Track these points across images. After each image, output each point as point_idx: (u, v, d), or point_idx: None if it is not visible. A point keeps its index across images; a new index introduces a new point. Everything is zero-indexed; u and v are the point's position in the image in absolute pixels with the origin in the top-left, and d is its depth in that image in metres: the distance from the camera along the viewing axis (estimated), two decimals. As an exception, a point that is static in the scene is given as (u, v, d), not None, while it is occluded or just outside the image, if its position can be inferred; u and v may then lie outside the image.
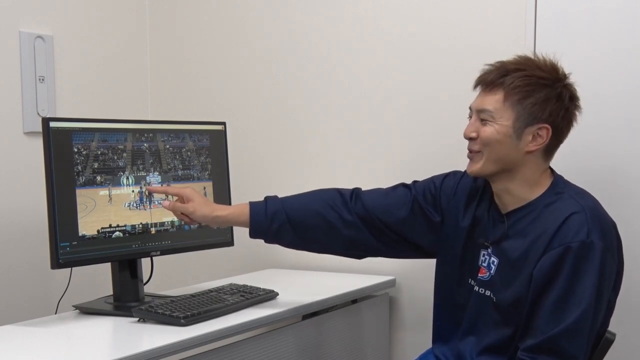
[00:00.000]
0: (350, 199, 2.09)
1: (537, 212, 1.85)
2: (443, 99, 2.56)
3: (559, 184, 1.89)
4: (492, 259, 1.91)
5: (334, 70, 2.77)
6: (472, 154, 1.89)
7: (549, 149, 1.88)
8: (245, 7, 2.95)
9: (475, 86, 1.91)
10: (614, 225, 1.84)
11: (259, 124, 2.93)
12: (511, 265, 1.85)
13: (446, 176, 2.10)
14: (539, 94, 1.82)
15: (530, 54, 1.93)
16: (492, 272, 1.90)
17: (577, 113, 1.89)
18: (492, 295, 1.90)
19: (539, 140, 1.84)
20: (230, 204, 2.49)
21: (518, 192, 1.87)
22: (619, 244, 1.85)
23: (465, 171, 2.02)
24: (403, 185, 2.14)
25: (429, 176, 2.24)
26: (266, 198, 2.11)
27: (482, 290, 1.92)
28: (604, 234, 1.77)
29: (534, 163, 1.87)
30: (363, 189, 2.14)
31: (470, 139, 1.88)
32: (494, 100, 1.84)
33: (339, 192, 2.11)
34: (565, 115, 1.85)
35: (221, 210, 2.08)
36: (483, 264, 1.93)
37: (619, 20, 2.25)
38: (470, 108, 1.92)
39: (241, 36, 2.96)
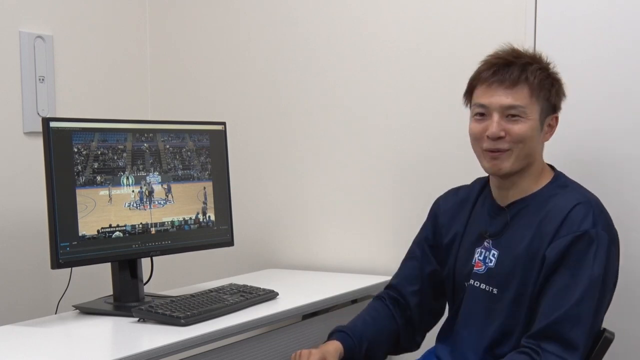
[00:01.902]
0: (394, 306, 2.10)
1: (541, 203, 1.86)
2: (442, 101, 2.56)
3: (561, 177, 1.92)
4: (492, 251, 1.91)
5: (335, 70, 2.77)
6: (499, 152, 1.86)
7: None
8: (245, 7, 2.95)
9: (489, 84, 1.86)
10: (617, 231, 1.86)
11: (259, 124, 2.93)
12: (514, 256, 1.85)
13: (427, 222, 2.13)
14: (556, 84, 1.89)
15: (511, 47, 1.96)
16: (489, 264, 1.90)
17: None
18: (487, 288, 1.90)
19: (552, 129, 1.91)
20: (230, 204, 2.50)
21: (524, 184, 1.89)
22: (618, 243, 1.86)
23: (438, 198, 2.10)
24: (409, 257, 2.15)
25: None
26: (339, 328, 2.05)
27: (476, 284, 1.93)
28: (609, 227, 1.80)
29: (541, 153, 1.92)
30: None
31: (498, 138, 1.85)
32: (522, 96, 1.83)
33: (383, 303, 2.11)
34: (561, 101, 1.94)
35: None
36: (479, 258, 1.94)
37: (619, 22, 2.24)
38: (483, 105, 1.87)
39: (241, 36, 2.96)
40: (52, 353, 1.84)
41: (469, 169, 2.48)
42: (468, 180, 2.46)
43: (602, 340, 1.82)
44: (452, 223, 2.03)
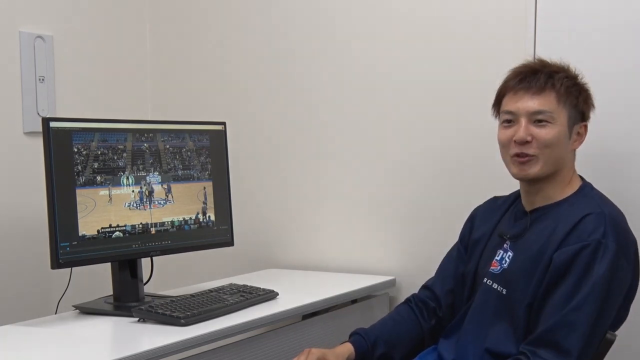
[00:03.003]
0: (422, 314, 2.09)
1: (561, 210, 1.86)
2: (442, 100, 2.55)
3: (586, 188, 1.92)
4: (509, 253, 1.92)
5: (335, 69, 2.77)
6: (527, 157, 1.86)
7: None
8: (245, 6, 2.95)
9: (515, 91, 1.88)
10: (634, 242, 1.85)
11: (259, 124, 2.93)
12: (526, 259, 1.86)
13: (464, 226, 2.13)
14: (584, 93, 1.90)
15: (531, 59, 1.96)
16: (504, 265, 1.91)
17: None
18: (498, 288, 1.91)
19: (581, 137, 1.91)
20: (230, 204, 2.50)
21: (550, 191, 1.89)
22: (636, 259, 1.85)
23: (479, 206, 2.11)
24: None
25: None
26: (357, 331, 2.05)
27: (489, 282, 1.94)
28: (619, 238, 1.78)
29: (571, 161, 1.92)
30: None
31: (525, 142, 1.85)
32: (548, 102, 1.85)
33: (411, 310, 2.10)
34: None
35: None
36: (497, 258, 1.95)
37: (619, 23, 2.24)
38: (510, 112, 1.88)
39: (241, 36, 2.96)
40: (52, 353, 1.84)
41: (469, 169, 2.49)
42: (468, 180, 2.46)
43: (602, 341, 1.82)
44: (483, 224, 2.06)
